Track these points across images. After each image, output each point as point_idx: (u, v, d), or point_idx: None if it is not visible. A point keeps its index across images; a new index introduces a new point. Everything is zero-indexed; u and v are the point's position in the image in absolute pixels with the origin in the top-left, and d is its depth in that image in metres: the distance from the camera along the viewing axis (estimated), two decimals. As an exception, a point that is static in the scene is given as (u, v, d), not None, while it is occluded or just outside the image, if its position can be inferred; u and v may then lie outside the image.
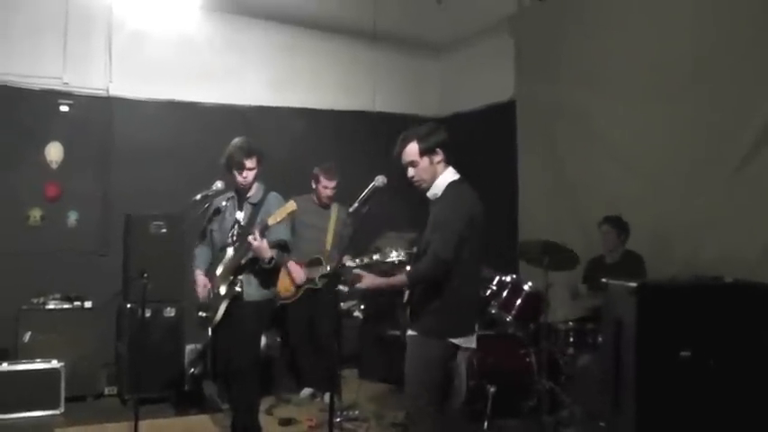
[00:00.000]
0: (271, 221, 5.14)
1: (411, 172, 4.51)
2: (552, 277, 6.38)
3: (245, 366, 5.41)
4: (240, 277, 5.36)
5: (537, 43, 8.02)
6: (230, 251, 5.39)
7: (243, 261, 5.34)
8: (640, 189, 6.63)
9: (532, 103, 8.06)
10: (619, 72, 6.96)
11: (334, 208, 7.14)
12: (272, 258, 5.26)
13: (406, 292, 4.52)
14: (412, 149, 4.47)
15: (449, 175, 4.51)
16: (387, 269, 4.81)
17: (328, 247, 7.00)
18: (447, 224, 4.34)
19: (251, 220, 5.39)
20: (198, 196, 5.46)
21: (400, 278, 4.45)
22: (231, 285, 5.35)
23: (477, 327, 4.65)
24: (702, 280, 5.19)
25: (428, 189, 4.52)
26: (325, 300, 6.68)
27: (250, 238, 5.14)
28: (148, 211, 7.28)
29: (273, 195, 5.53)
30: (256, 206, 5.44)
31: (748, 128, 5.78)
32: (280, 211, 5.14)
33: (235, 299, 5.36)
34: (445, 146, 4.51)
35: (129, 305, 6.98)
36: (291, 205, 5.20)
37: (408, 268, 4.64)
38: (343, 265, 4.64)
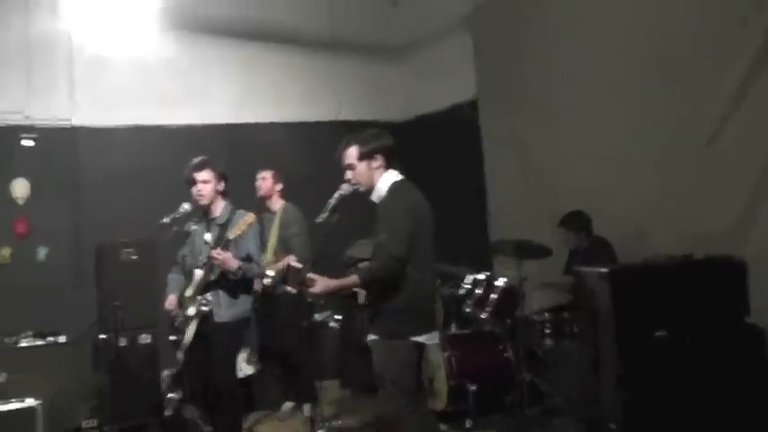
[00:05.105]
0: (231, 235, 5.13)
1: (349, 174, 4.61)
2: (526, 267, 6.42)
3: (225, 388, 5.39)
4: (208, 297, 5.34)
5: (496, 39, 8.05)
6: (198, 272, 5.37)
7: (211, 278, 5.32)
8: (609, 177, 6.65)
9: (495, 100, 8.10)
10: (581, 63, 6.99)
11: (280, 211, 6.99)
12: (239, 268, 5.25)
13: (362, 295, 4.49)
14: (351, 153, 4.60)
15: (391, 176, 4.58)
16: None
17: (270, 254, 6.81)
18: (392, 221, 4.38)
19: (219, 240, 5.35)
20: (166, 219, 5.50)
21: (353, 278, 4.41)
22: (199, 305, 5.32)
23: (438, 323, 4.69)
24: (673, 259, 5.22)
25: (366, 192, 4.61)
26: (287, 310, 6.61)
27: (213, 253, 5.16)
28: (120, 238, 7.17)
29: (240, 213, 5.50)
30: (223, 226, 5.42)
31: (712, 108, 5.81)
32: (239, 224, 5.14)
33: (205, 320, 5.34)
34: (387, 151, 4.59)
35: (103, 335, 6.85)
36: (250, 217, 5.21)
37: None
38: (289, 266, 4.61)
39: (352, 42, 9.21)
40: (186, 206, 5.50)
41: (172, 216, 5.50)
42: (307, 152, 8.45)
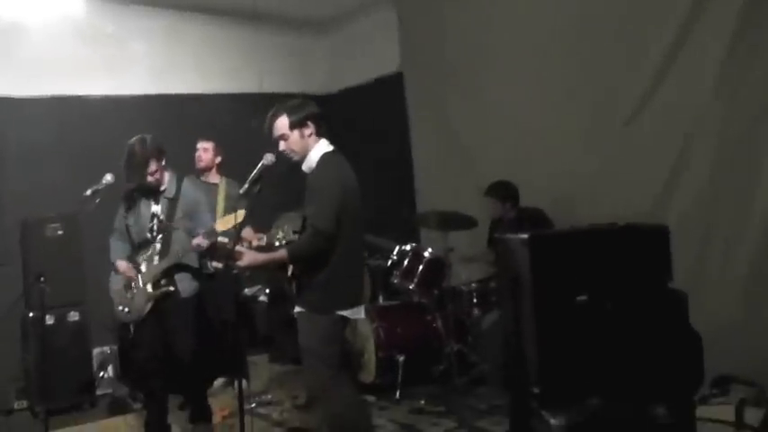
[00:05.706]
0: (219, 228, 5.05)
1: (282, 146, 4.52)
2: (453, 238, 6.47)
3: (189, 354, 5.42)
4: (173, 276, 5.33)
5: (420, 12, 8.04)
6: (158, 247, 5.34)
7: (180, 261, 5.30)
8: (534, 149, 6.72)
9: (420, 73, 8.11)
10: (505, 36, 7.02)
11: (222, 183, 6.99)
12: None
13: (290, 267, 4.50)
14: (281, 123, 4.50)
15: (322, 147, 4.53)
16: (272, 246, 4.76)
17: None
18: (321, 195, 4.35)
19: (170, 213, 5.32)
20: (88, 191, 5.36)
21: (281, 253, 4.40)
22: (162, 286, 5.30)
23: (365, 296, 4.68)
24: (594, 226, 5.31)
25: (301, 162, 4.54)
26: (222, 284, 6.59)
27: (198, 240, 5.16)
28: (43, 212, 7.01)
29: (188, 185, 5.48)
30: (173, 200, 5.37)
31: (636, 81, 5.91)
32: (228, 219, 4.98)
33: (167, 296, 5.32)
34: (316, 118, 4.53)
35: (30, 314, 6.75)
36: (240, 215, 4.87)
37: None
38: (216, 241, 4.57)
39: (276, 14, 9.03)
40: (109, 177, 5.38)
41: (94, 188, 5.37)
42: (230, 124, 8.23)
